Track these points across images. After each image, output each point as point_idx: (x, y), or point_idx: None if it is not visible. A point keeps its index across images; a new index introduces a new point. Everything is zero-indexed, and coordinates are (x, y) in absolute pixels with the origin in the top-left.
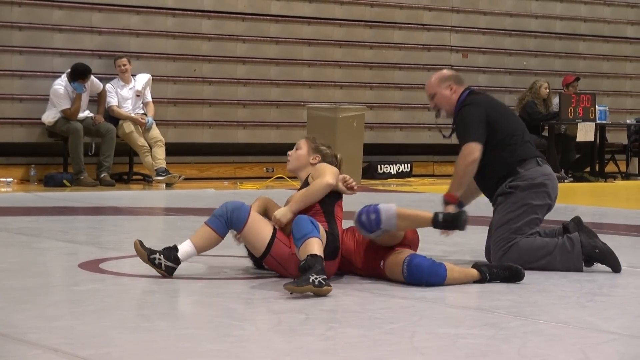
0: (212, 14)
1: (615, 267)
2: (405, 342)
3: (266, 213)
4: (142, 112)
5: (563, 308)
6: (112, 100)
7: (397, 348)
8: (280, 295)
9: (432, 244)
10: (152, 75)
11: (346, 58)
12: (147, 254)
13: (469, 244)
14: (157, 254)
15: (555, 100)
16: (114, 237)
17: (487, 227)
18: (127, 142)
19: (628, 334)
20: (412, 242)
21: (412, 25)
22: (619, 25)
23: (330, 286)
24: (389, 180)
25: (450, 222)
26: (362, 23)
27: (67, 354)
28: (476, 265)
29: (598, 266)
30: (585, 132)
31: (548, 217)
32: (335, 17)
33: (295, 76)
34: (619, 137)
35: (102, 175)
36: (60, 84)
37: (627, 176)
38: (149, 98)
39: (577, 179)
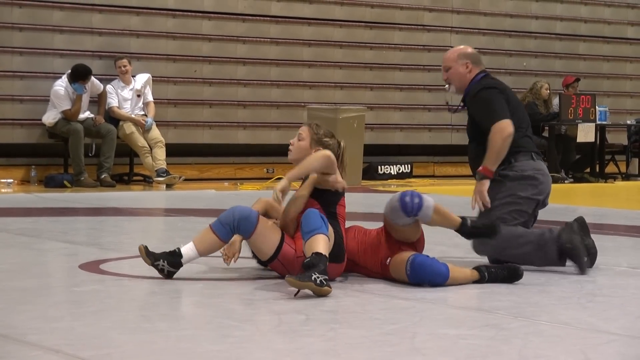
0: (213, 14)
1: (581, 268)
2: (406, 343)
3: (267, 214)
4: (143, 112)
5: (563, 309)
6: (113, 101)
7: (398, 349)
8: (280, 296)
9: (433, 244)
10: (152, 76)
11: (346, 59)
12: (151, 262)
13: (469, 243)
14: (161, 260)
15: (556, 101)
16: (114, 238)
17: None
18: (128, 143)
19: (628, 335)
20: (418, 243)
21: (413, 26)
22: (619, 26)
23: (330, 287)
24: (389, 181)
25: (480, 229)
26: (363, 24)
27: (67, 355)
28: (476, 266)
29: (599, 266)
30: (585, 133)
31: (549, 218)
32: (336, 18)
33: (296, 77)
34: (619, 138)
35: (103, 176)
36: (61, 85)
37: (627, 177)
38: (149, 98)
39: (578, 179)
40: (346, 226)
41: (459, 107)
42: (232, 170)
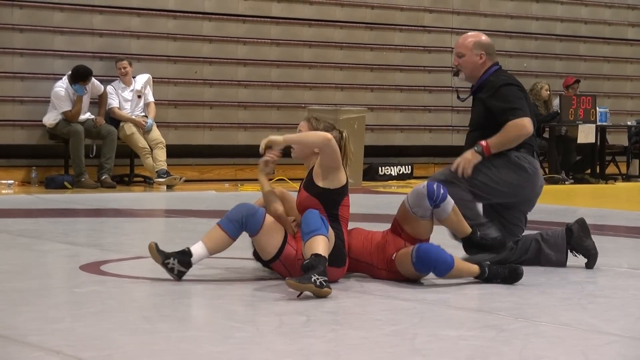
0: (213, 16)
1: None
2: (407, 344)
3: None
4: (143, 114)
5: (564, 310)
6: (113, 102)
7: (399, 350)
8: (281, 297)
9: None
10: (153, 77)
11: (347, 60)
12: (162, 259)
13: None
14: (172, 258)
15: (556, 102)
16: (115, 239)
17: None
18: (128, 144)
19: (629, 336)
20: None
21: (413, 27)
22: (619, 27)
23: (330, 288)
24: (389, 182)
25: (488, 242)
26: (363, 25)
27: (68, 356)
28: (477, 262)
29: (599, 267)
30: (585, 134)
31: (549, 218)
32: (336, 19)
33: (296, 78)
34: (619, 139)
35: (103, 177)
36: (61, 86)
37: (627, 178)
38: (150, 99)
39: (578, 180)
40: (348, 228)
41: (467, 96)
42: (233, 171)
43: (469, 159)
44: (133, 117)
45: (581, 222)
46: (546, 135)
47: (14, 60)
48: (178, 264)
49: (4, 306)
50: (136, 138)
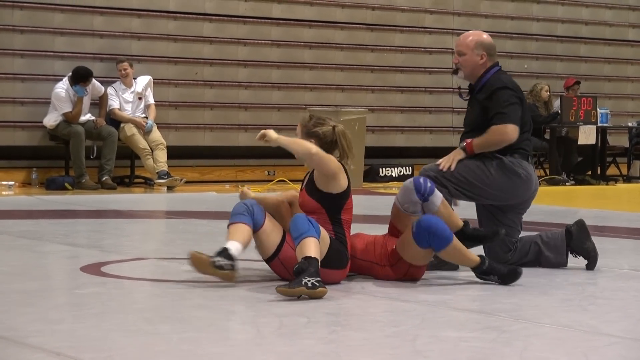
0: (214, 17)
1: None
2: (407, 346)
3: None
4: (144, 115)
5: (565, 311)
6: (114, 104)
7: (399, 351)
8: (281, 299)
9: None
10: (153, 79)
11: (347, 61)
12: (209, 260)
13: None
14: (216, 257)
15: (557, 103)
16: (115, 241)
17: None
18: (129, 145)
19: (630, 337)
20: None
21: (414, 28)
22: (620, 28)
23: (325, 288)
24: (390, 183)
25: (481, 233)
26: (364, 26)
27: (69, 357)
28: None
29: (600, 269)
30: (586, 135)
31: (550, 219)
32: (337, 20)
33: (297, 79)
34: (620, 140)
35: (104, 178)
36: (62, 87)
37: (628, 179)
38: (151, 100)
39: (579, 182)
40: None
41: (468, 95)
42: (233, 172)
43: (451, 157)
44: (133, 117)
45: (580, 223)
46: (547, 136)
47: (15, 62)
48: (224, 257)
49: (5, 307)
50: (137, 139)
